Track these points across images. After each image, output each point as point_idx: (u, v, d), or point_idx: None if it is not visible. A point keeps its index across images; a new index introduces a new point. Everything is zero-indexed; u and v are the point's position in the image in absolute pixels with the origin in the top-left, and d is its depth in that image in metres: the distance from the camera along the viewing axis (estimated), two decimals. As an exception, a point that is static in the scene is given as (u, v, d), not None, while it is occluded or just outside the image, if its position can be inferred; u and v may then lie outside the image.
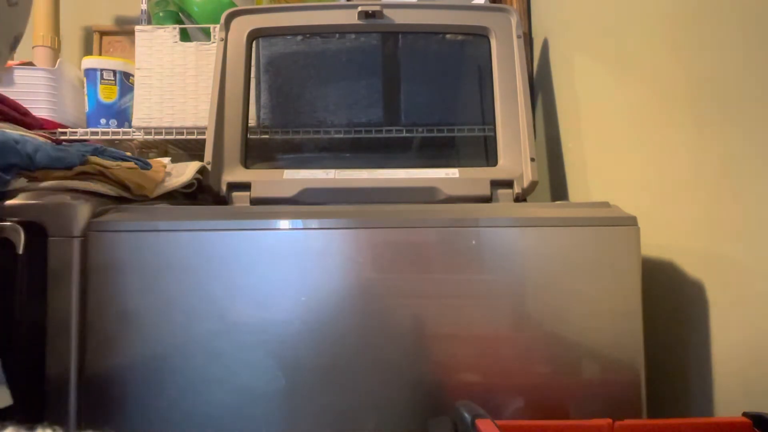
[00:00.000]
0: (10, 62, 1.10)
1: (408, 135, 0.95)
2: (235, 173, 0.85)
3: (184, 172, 0.78)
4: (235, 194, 0.83)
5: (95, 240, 0.58)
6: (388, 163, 0.94)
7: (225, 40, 0.89)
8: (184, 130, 1.05)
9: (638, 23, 0.71)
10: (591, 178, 0.87)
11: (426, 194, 0.81)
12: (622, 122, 0.76)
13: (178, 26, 1.08)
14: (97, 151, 0.69)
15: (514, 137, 0.85)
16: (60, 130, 1.09)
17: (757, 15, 0.50)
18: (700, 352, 0.60)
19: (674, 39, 0.64)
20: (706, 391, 0.59)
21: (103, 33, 1.42)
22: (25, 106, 0.93)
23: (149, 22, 1.27)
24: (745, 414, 0.46)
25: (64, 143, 0.75)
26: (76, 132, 1.10)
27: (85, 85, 1.13)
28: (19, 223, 0.56)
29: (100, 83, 1.12)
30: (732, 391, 0.56)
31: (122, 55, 1.38)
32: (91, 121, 1.13)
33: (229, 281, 0.58)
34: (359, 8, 0.89)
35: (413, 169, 0.86)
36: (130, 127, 1.11)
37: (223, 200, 0.84)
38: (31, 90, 1.06)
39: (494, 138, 0.86)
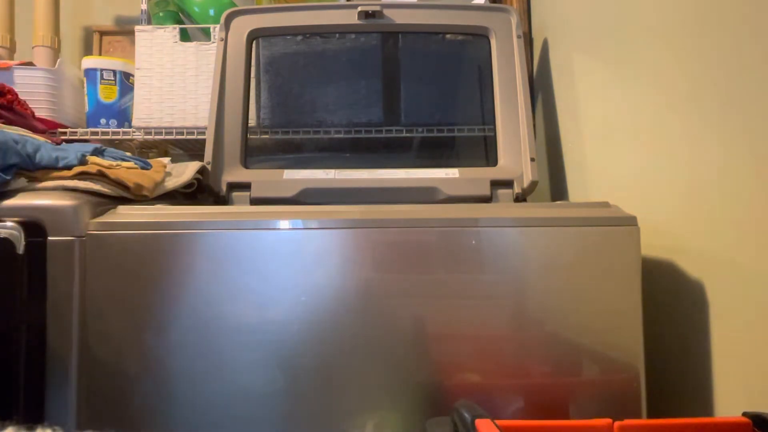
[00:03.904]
0: (9, 62, 1.10)
1: (408, 135, 0.95)
2: (235, 173, 0.85)
3: (184, 172, 0.78)
4: (235, 194, 0.83)
5: (95, 240, 0.58)
6: (388, 163, 0.94)
7: (225, 40, 0.89)
8: (184, 130, 1.05)
9: (638, 23, 0.71)
10: (591, 178, 0.87)
11: (426, 194, 0.81)
12: (622, 122, 0.76)
13: (178, 26, 1.08)
14: (97, 151, 0.69)
15: (514, 137, 0.85)
16: (60, 130, 1.09)
17: (757, 14, 0.50)
18: (700, 352, 0.60)
19: (674, 39, 0.64)
20: (706, 391, 0.59)
21: (103, 33, 1.42)
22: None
23: (149, 22, 1.27)
24: (745, 414, 0.46)
25: (64, 143, 0.75)
26: (76, 132, 1.10)
27: (85, 85, 1.13)
28: (19, 223, 0.56)
29: (100, 83, 1.12)
30: (732, 391, 0.56)
31: (122, 55, 1.38)
32: (91, 121, 1.12)
33: (228, 281, 0.58)
34: (359, 8, 0.89)
35: (413, 169, 0.86)
36: (130, 127, 1.11)
37: (223, 200, 0.84)
38: (31, 90, 1.06)
39: (494, 138, 0.86)
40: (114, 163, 0.69)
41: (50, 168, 0.63)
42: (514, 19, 0.89)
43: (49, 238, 0.57)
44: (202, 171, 0.82)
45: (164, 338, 0.57)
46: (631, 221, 0.59)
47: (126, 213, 0.61)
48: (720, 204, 0.56)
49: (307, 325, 0.58)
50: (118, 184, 0.65)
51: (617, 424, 0.46)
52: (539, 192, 1.08)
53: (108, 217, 0.60)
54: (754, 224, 0.52)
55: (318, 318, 0.58)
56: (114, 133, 1.11)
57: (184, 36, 1.15)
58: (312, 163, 0.97)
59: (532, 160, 0.82)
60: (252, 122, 0.95)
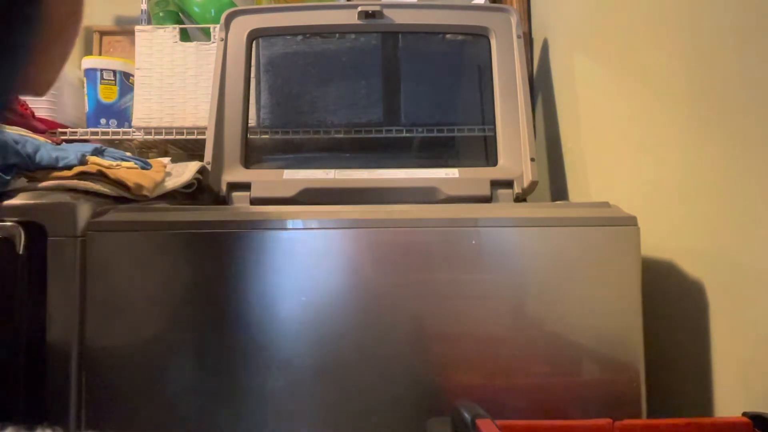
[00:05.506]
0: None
1: (408, 135, 0.95)
2: (235, 173, 0.85)
3: (184, 172, 0.78)
4: (235, 194, 0.83)
5: (95, 240, 0.58)
6: (388, 163, 0.94)
7: (225, 40, 0.89)
8: (184, 130, 1.05)
9: (638, 23, 0.71)
10: (591, 178, 0.87)
11: (426, 194, 0.81)
12: (621, 122, 0.76)
13: (178, 26, 1.08)
14: (97, 151, 0.69)
15: (514, 137, 0.85)
16: (60, 130, 1.09)
17: (755, 17, 0.50)
18: (700, 352, 0.60)
19: (674, 39, 0.64)
20: (706, 391, 0.59)
21: (103, 33, 1.42)
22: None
23: (149, 22, 1.27)
24: (745, 414, 0.46)
25: (64, 143, 0.75)
26: (76, 132, 1.10)
27: (85, 85, 1.13)
28: (19, 223, 0.56)
29: (100, 83, 1.12)
30: (732, 391, 0.56)
31: (122, 55, 1.38)
32: (91, 121, 1.12)
33: (228, 281, 0.58)
34: (359, 8, 0.89)
35: (413, 169, 0.85)
36: (130, 127, 1.11)
37: (223, 200, 0.84)
38: (31, 90, 1.05)
39: (494, 138, 0.86)
40: (114, 163, 0.69)
41: (50, 168, 0.63)
42: (514, 19, 0.89)
43: (49, 238, 0.57)
44: (202, 171, 0.82)
45: (163, 338, 0.57)
46: (631, 221, 0.59)
47: (126, 213, 0.61)
48: (720, 204, 0.56)
49: (307, 325, 0.58)
50: (118, 184, 0.65)
51: (617, 424, 0.46)
52: (539, 192, 1.08)
53: (108, 217, 0.60)
54: (754, 224, 0.52)
55: (318, 318, 0.58)
56: (114, 133, 1.11)
57: (184, 36, 1.15)
58: (312, 163, 0.96)
59: (532, 160, 0.82)
60: (252, 122, 0.95)
